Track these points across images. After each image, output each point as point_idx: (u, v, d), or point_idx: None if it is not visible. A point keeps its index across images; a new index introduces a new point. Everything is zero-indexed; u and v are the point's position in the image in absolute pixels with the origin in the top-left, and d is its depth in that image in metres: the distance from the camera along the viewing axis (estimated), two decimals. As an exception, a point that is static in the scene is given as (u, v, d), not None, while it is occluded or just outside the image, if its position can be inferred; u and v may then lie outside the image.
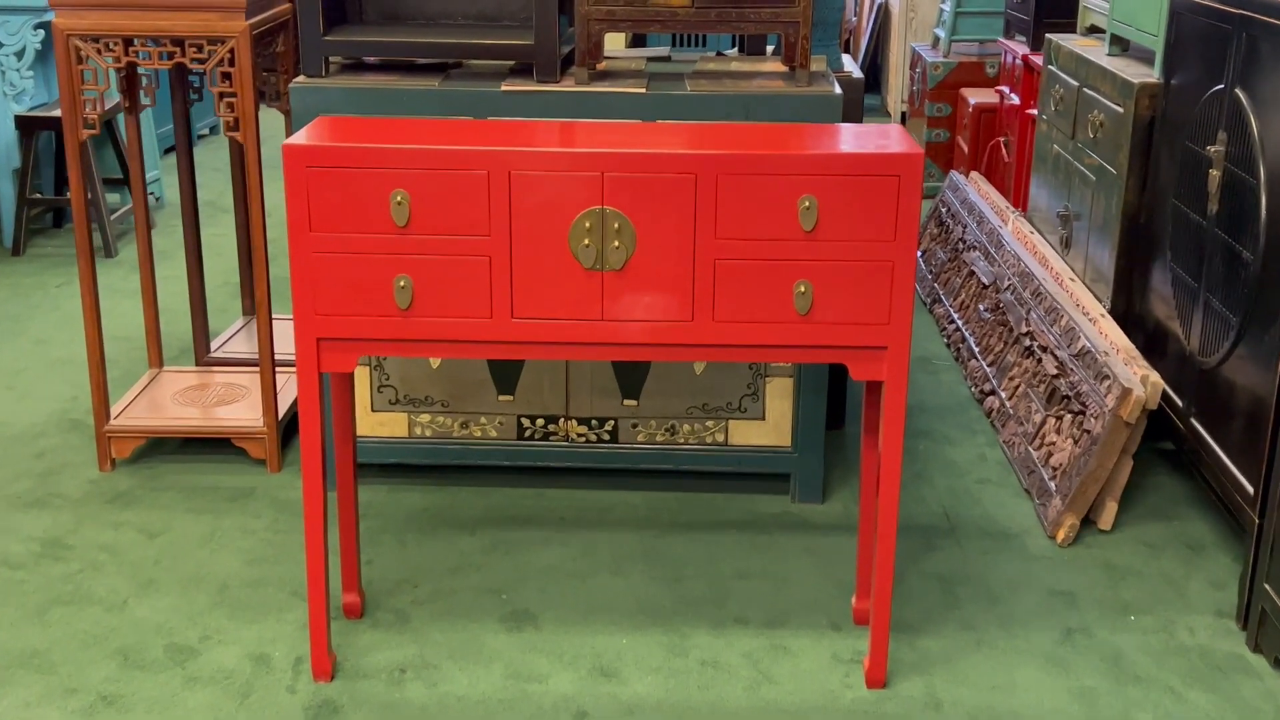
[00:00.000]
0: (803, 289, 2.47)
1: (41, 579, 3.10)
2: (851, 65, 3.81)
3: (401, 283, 2.48)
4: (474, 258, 2.48)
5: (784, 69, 3.44)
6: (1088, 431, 3.34)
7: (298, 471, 3.60)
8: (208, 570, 3.15)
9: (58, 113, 5.43)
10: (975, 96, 6.11)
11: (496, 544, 3.27)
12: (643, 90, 3.19)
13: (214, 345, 4.20)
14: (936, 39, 6.91)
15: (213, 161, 7.14)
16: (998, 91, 5.85)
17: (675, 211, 2.45)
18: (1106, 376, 3.34)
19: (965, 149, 6.15)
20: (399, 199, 2.44)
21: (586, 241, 2.46)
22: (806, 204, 2.43)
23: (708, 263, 2.47)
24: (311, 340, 2.53)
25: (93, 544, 3.26)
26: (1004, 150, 5.67)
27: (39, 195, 5.81)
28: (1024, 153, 5.38)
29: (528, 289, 2.49)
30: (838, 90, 3.22)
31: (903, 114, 8.08)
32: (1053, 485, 3.41)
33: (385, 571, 3.14)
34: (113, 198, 6.06)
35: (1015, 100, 5.52)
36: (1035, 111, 5.15)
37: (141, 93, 3.81)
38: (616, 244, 2.46)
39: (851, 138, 2.58)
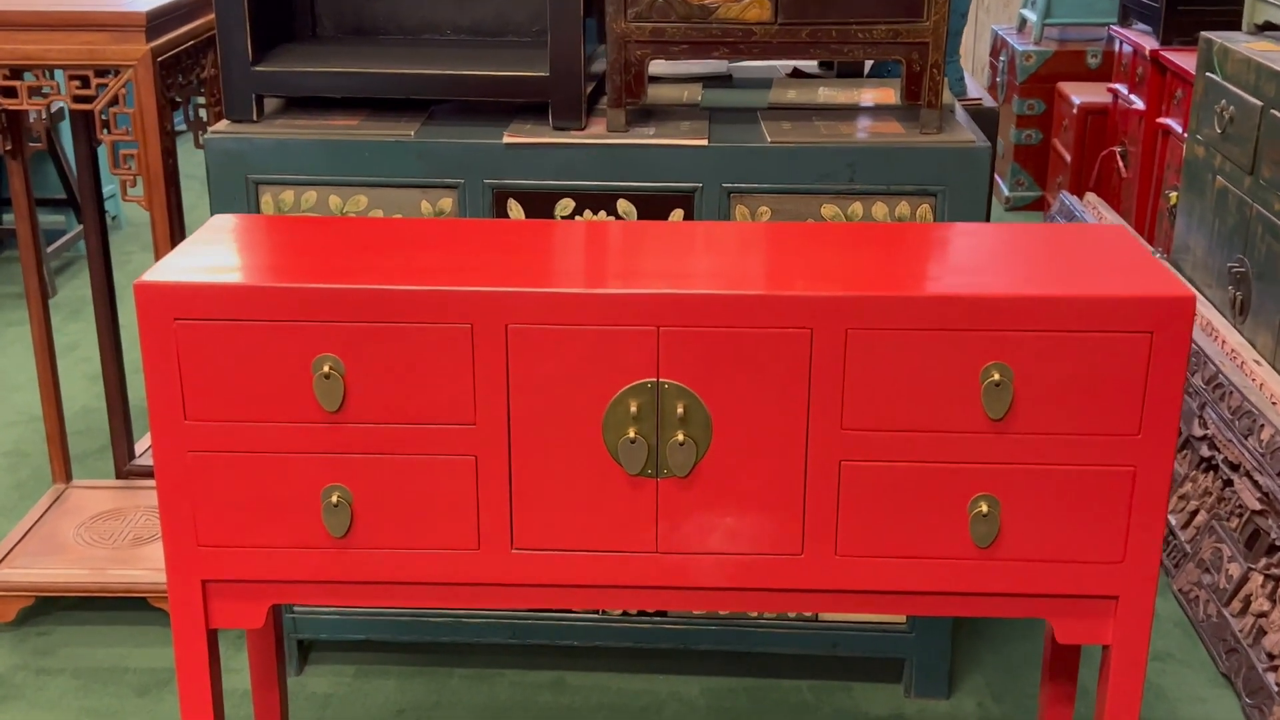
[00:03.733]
0: (984, 508, 1.52)
1: None
2: (976, 88, 2.84)
3: (334, 497, 1.55)
4: (451, 458, 1.54)
5: (894, 101, 2.48)
6: (1327, 613, 2.39)
7: (233, 643, 2.68)
8: (93, 826, 2.23)
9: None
10: (1079, 94, 5.11)
11: (500, 777, 2.34)
12: (703, 142, 2.23)
13: (142, 445, 3.27)
14: (1023, 21, 5.89)
15: (187, 165, 6.18)
16: (1110, 90, 4.85)
17: (776, 386, 1.50)
18: (1355, 537, 2.38)
19: (1067, 157, 5.16)
20: (327, 369, 1.50)
21: (633, 433, 1.51)
22: (995, 376, 1.47)
23: (828, 466, 1.52)
24: (193, 584, 1.59)
25: (-58, 774, 2.35)
26: (1120, 163, 4.68)
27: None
28: (1150, 169, 4.39)
29: (537, 506, 1.55)
30: (982, 140, 2.25)
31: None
32: (1272, 682, 2.45)
33: (342, 830, 2.22)
34: (55, 219, 5.13)
35: (1137, 104, 4.52)
36: (1169, 122, 4.17)
37: (30, 130, 2.87)
38: (680, 437, 1.52)
39: (1058, 253, 1.62)
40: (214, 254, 1.60)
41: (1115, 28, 4.90)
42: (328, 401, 1.51)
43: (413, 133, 2.29)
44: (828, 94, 2.56)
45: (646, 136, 2.26)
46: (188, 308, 1.49)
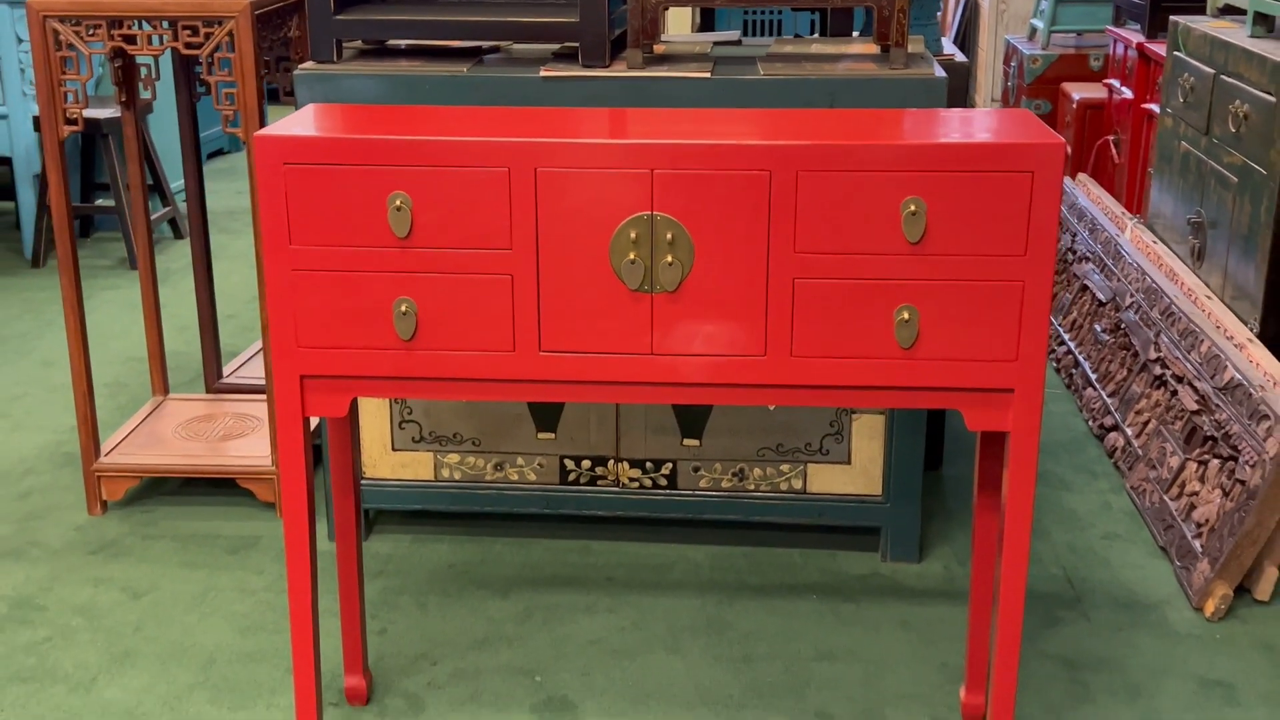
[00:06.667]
0: (906, 316, 1.95)
1: (2, 649, 2.65)
2: (951, 47, 3.28)
3: (403, 308, 2.00)
4: (492, 276, 1.99)
5: (874, 50, 2.92)
6: (1241, 482, 2.78)
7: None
8: (194, 640, 2.68)
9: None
10: (1079, 91, 5.54)
11: (532, 610, 2.77)
12: (706, 75, 2.69)
13: (229, 369, 3.75)
14: (1033, 30, 6.33)
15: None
16: (1106, 85, 5.27)
17: (743, 218, 1.94)
18: (1265, 416, 2.77)
19: (1068, 149, 5.57)
20: (399, 203, 1.96)
21: (632, 256, 1.96)
22: (912, 208, 1.91)
23: (785, 282, 1.96)
24: (293, 378, 2.04)
25: (67, 605, 2.81)
26: (1114, 150, 5.09)
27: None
28: (1138, 152, 4.80)
29: (559, 315, 1.99)
30: (940, 73, 2.69)
31: (994, 113, 7.48)
32: (1198, 545, 2.85)
33: (400, 644, 2.66)
34: (143, 205, 5.65)
35: (1127, 94, 4.94)
36: (1152, 106, 4.58)
37: (141, 86, 3.37)
38: (669, 259, 1.96)
39: (969, 123, 2.06)
40: (313, 121, 2.07)
41: (1110, 28, 5.33)
42: (399, 229, 1.96)
43: (465, 69, 2.76)
44: (819, 47, 3.01)
45: (659, 72, 2.72)
46: (294, 154, 1.95)
